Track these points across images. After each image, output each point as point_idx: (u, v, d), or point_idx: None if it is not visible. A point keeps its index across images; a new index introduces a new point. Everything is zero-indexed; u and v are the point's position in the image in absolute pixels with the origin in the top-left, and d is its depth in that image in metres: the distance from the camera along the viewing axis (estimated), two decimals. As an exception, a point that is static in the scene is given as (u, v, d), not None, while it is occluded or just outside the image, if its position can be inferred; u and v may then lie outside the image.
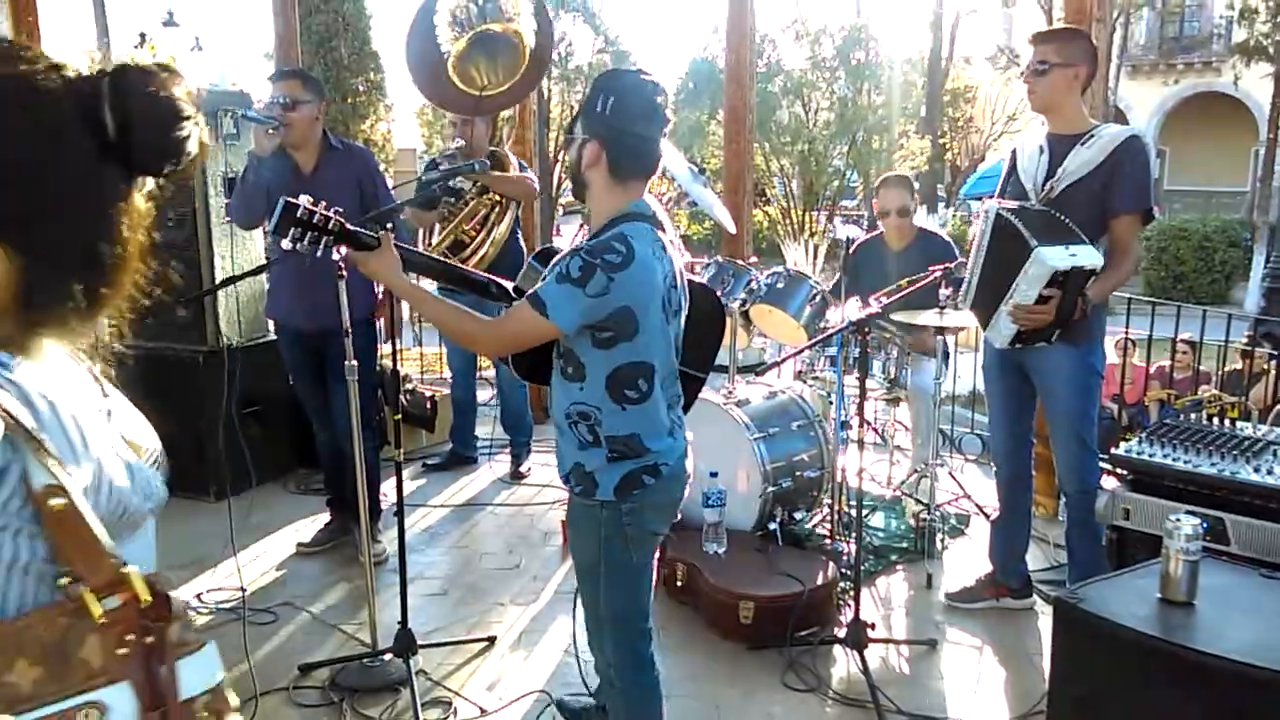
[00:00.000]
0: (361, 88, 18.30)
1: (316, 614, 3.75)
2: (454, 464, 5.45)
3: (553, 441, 2.52)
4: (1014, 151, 3.50)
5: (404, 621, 3.17)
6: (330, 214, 2.37)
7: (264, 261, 4.76)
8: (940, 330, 4.19)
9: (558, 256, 2.25)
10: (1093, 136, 3.23)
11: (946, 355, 4.35)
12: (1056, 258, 3.04)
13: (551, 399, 2.36)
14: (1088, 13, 4.40)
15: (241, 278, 3.40)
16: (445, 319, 2.36)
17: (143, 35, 18.97)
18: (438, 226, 4.75)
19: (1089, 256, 3.08)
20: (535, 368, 2.38)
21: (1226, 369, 8.44)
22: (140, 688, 0.88)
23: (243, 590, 3.67)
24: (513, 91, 4.65)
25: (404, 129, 25.64)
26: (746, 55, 5.50)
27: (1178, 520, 2.34)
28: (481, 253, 4.66)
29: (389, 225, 3.10)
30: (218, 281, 4.60)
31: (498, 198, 4.78)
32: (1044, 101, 3.30)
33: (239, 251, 4.86)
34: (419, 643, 3.22)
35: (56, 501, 0.85)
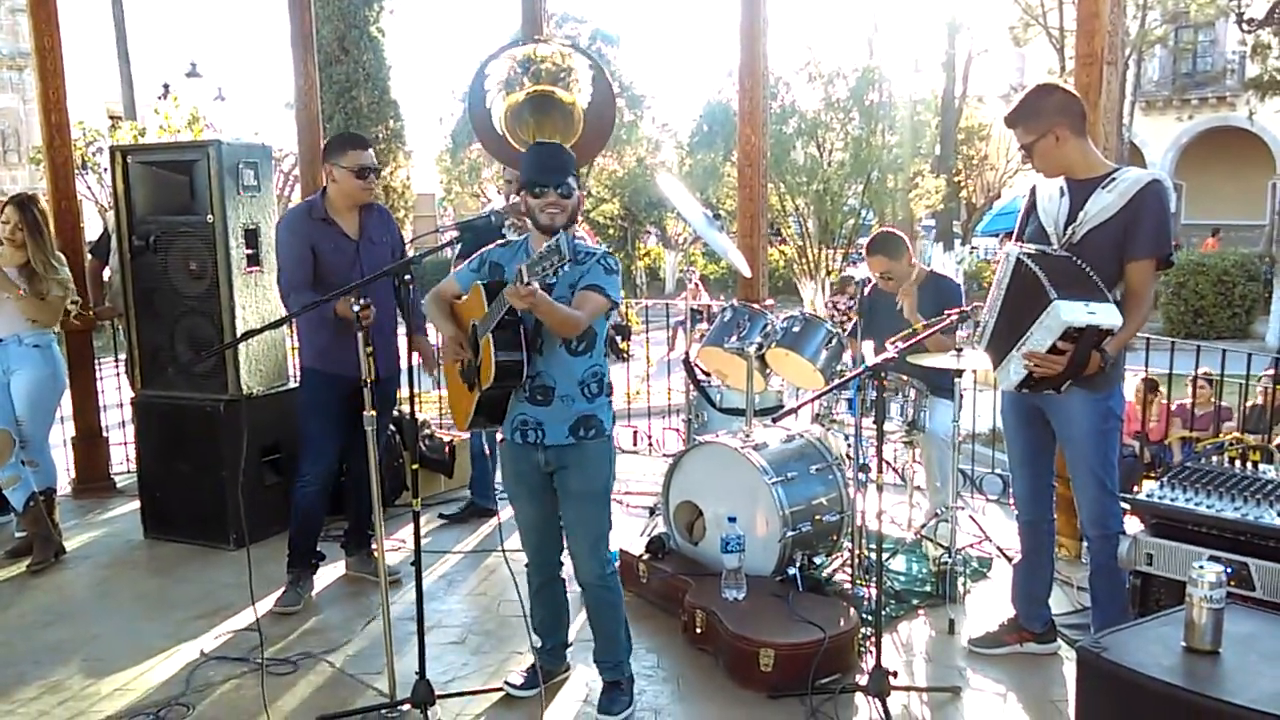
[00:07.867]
0: (381, 135, 18.59)
1: (335, 664, 3.74)
2: (471, 515, 5.41)
3: None
4: (1033, 189, 3.46)
5: (422, 672, 3.16)
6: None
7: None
8: (959, 372, 4.18)
9: (585, 262, 3.07)
10: (1114, 180, 3.19)
11: (961, 396, 4.32)
12: (1074, 314, 2.97)
13: (556, 382, 3.07)
14: (1098, 54, 4.37)
15: (264, 330, 3.41)
16: (567, 315, 2.95)
17: (166, 86, 19.36)
18: None
19: (1108, 316, 3.01)
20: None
21: (1249, 404, 8.37)
22: None
23: (261, 640, 3.68)
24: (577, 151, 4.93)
25: (423, 175, 26.04)
26: (760, 98, 5.52)
27: (1201, 568, 2.31)
28: None
29: (408, 276, 3.15)
30: (240, 333, 4.64)
31: None
32: (1045, 172, 3.34)
33: (260, 303, 4.92)
34: (437, 693, 3.21)
35: None
